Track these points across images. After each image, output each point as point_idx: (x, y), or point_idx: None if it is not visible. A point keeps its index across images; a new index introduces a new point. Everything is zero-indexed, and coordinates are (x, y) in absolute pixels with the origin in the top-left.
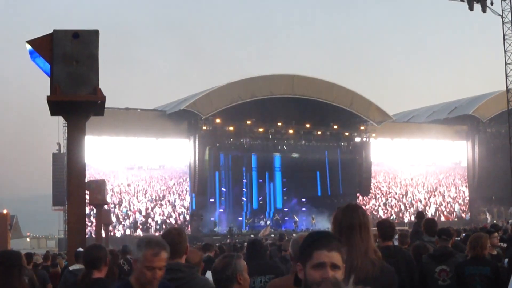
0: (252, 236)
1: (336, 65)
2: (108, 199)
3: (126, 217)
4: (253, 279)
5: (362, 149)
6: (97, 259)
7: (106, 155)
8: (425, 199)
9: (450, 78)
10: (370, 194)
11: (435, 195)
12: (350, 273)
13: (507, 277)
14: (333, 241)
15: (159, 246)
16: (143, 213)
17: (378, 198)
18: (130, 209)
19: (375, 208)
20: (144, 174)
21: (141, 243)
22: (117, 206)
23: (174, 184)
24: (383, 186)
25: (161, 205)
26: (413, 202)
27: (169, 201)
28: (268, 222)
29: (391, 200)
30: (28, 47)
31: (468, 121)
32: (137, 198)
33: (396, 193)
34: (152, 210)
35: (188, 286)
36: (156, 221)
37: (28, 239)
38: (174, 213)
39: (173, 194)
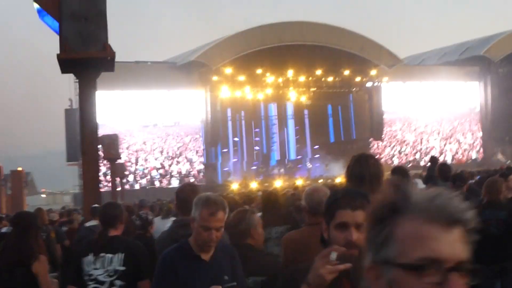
0: (266, 184)
1: (345, 10)
2: (124, 157)
3: (143, 175)
4: (269, 229)
5: (374, 93)
6: (113, 217)
7: (119, 112)
8: (440, 147)
9: (460, 19)
10: (384, 142)
11: (450, 142)
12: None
13: None
14: (357, 199)
15: (216, 205)
16: (161, 170)
17: (393, 146)
18: (146, 167)
19: (390, 156)
20: (159, 132)
21: (198, 202)
22: (133, 165)
23: (190, 140)
24: (397, 135)
25: (178, 162)
26: (428, 149)
27: (186, 157)
28: (282, 170)
29: (406, 149)
30: (36, 5)
31: (480, 61)
32: (153, 155)
33: (410, 141)
34: (169, 167)
35: None
36: (175, 177)
37: (43, 195)
38: (193, 169)
39: (190, 150)
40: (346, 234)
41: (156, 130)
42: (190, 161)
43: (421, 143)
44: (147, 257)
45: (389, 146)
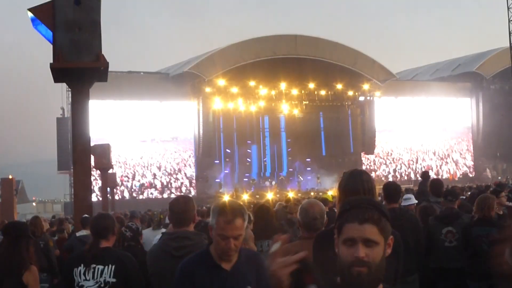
0: (257, 196)
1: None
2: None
3: (140, 192)
4: (260, 242)
5: (366, 107)
6: (105, 228)
7: (111, 122)
8: (436, 166)
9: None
10: (375, 157)
11: (447, 163)
12: None
13: None
14: (367, 211)
15: (233, 213)
16: (159, 187)
17: (388, 164)
18: (143, 183)
19: (385, 174)
20: (153, 145)
21: (215, 210)
22: (130, 180)
23: (181, 152)
24: (391, 154)
25: (177, 179)
26: (423, 169)
27: (185, 174)
28: (274, 183)
29: (401, 167)
30: (30, 14)
31: (472, 78)
32: (150, 170)
33: (404, 159)
34: (167, 185)
35: None
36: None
37: (34, 204)
38: (184, 181)
39: (182, 162)
40: (353, 250)
41: (149, 142)
42: (181, 172)
43: (417, 162)
44: (138, 269)
45: (384, 163)
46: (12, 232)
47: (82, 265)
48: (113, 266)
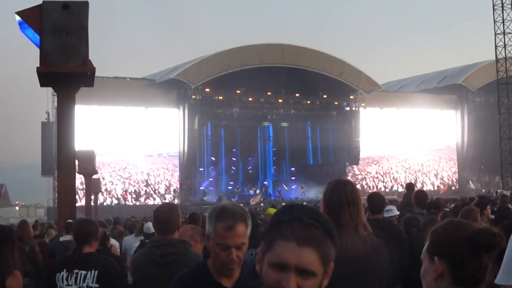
0: (241, 205)
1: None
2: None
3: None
4: (250, 251)
5: (352, 118)
6: (88, 234)
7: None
8: (420, 179)
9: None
10: (363, 169)
11: (424, 173)
12: (341, 252)
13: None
14: (310, 228)
15: (233, 217)
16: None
17: (373, 175)
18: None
19: (370, 185)
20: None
21: (212, 214)
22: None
23: (173, 164)
24: (376, 165)
25: (160, 186)
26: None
27: (170, 181)
28: (258, 191)
29: (385, 178)
30: (18, 18)
31: (458, 90)
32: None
33: (391, 171)
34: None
35: (181, 261)
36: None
37: (17, 208)
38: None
39: (174, 174)
40: (281, 278)
41: (134, 148)
42: (165, 180)
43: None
44: (121, 275)
45: (369, 174)
46: None
47: (65, 270)
48: (96, 272)
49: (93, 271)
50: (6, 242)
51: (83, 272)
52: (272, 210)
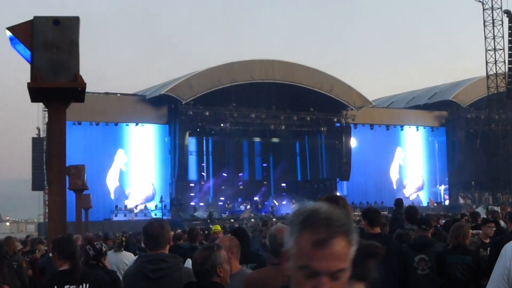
0: (232, 220)
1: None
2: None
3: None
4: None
5: (342, 134)
6: (70, 253)
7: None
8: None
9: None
10: (353, 185)
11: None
12: None
13: (488, 266)
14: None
15: (330, 227)
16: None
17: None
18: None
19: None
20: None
21: (295, 220)
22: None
23: (163, 179)
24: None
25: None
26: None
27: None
28: (248, 207)
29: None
30: (8, 33)
31: (448, 106)
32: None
33: (381, 187)
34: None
35: (173, 276)
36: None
37: (7, 223)
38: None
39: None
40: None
41: (124, 163)
42: (155, 195)
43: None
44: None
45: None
46: None
47: (55, 286)
48: (87, 285)
49: (84, 285)
50: None
51: (74, 287)
52: (217, 228)
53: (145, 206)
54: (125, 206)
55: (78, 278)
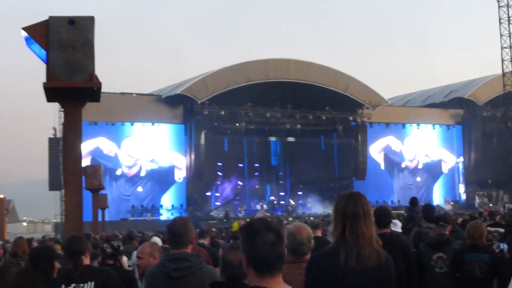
0: (248, 220)
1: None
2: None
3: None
4: None
5: (358, 133)
6: (78, 251)
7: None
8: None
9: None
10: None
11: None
12: (357, 263)
13: (508, 266)
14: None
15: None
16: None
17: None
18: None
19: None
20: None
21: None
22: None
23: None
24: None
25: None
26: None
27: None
28: (264, 206)
29: (391, 193)
30: (24, 33)
31: (464, 104)
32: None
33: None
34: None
35: (195, 275)
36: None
37: (24, 223)
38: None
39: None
40: None
41: (141, 163)
42: (171, 195)
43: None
44: (120, 284)
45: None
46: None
47: (63, 286)
48: (93, 283)
49: (89, 283)
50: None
51: (81, 286)
52: (237, 225)
53: (161, 206)
54: (142, 206)
55: (77, 276)
